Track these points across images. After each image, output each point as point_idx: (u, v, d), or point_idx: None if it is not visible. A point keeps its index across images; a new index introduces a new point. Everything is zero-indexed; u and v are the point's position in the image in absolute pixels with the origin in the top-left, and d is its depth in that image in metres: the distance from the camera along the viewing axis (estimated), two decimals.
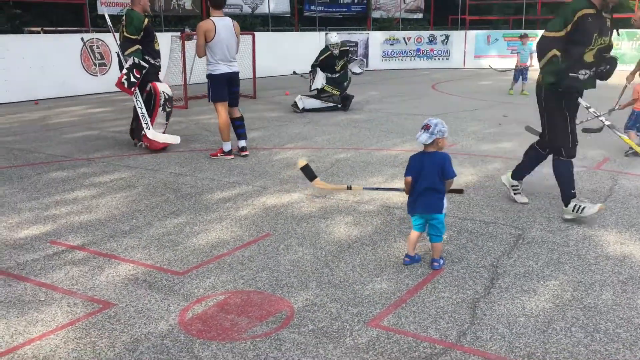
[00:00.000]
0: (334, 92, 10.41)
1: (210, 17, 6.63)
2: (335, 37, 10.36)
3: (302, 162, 4.55)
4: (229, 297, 3.43)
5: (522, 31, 17.98)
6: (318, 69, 10.37)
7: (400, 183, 5.70)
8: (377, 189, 5.11)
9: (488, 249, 4.10)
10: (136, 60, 6.89)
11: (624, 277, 3.63)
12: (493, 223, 4.61)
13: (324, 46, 10.75)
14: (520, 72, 12.85)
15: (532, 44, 12.40)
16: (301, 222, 4.67)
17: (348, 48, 11.12)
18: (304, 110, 10.32)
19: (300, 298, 3.40)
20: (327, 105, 10.42)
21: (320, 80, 10.32)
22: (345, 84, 10.51)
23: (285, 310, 3.25)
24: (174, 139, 7.20)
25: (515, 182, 5.15)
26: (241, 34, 7.09)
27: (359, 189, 5.10)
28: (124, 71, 6.89)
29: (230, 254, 4.06)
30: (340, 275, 3.70)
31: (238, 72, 6.88)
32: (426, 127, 3.68)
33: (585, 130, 6.95)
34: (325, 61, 10.37)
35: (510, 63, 14.97)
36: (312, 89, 10.47)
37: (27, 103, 11.93)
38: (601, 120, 5.02)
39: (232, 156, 6.89)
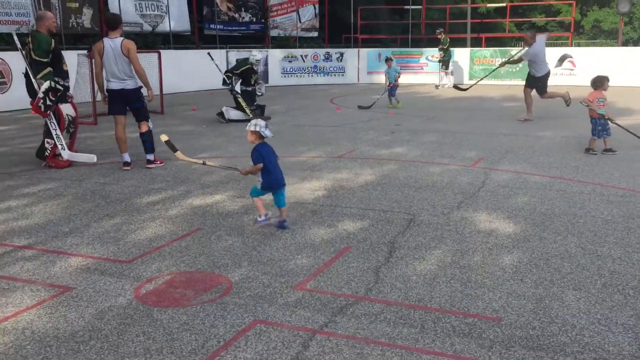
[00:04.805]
0: (247, 110, 11.37)
1: (104, 38, 7.22)
2: (259, 54, 11.43)
3: (164, 137, 5.82)
4: (175, 276, 4.04)
5: (390, 50, 19.68)
6: (239, 80, 11.34)
7: (309, 184, 6.51)
8: (224, 167, 6.12)
9: (386, 230, 4.96)
10: (52, 84, 7.18)
11: (490, 245, 4.61)
12: (390, 211, 5.50)
13: (227, 62, 11.73)
14: (390, 90, 14.11)
15: (399, 68, 14.39)
16: (227, 218, 5.33)
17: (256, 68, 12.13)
18: (230, 121, 11.10)
19: (236, 274, 4.07)
20: (248, 118, 11.26)
21: (239, 87, 11.31)
22: (255, 99, 11.64)
23: (224, 283, 3.92)
24: (90, 158, 7.50)
25: None
26: (146, 52, 7.60)
27: (211, 164, 5.80)
28: (40, 95, 7.10)
29: (168, 245, 4.66)
30: (266, 255, 4.41)
31: (133, 89, 7.25)
32: (266, 126, 5.04)
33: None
34: (245, 73, 11.32)
35: (402, 79, 16.31)
36: (234, 91, 11.34)
37: None
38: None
39: (129, 168, 7.29)
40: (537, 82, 11.34)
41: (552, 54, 20.61)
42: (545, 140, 9.20)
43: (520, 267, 4.13)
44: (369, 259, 4.33)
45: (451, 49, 20.34)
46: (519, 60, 11.61)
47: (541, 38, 11.47)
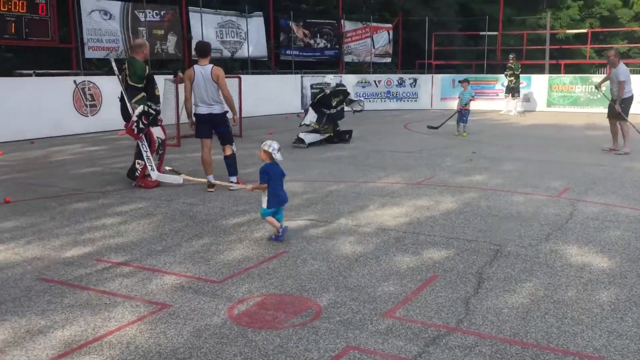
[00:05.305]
0: (324, 129, 11.82)
1: (194, 65, 7.52)
2: (329, 78, 11.95)
3: (167, 168, 7.05)
4: (265, 298, 4.12)
5: (465, 76, 19.35)
6: (311, 108, 11.90)
7: (390, 211, 6.50)
8: (230, 183, 7.06)
9: (473, 260, 4.89)
10: (145, 108, 7.56)
11: (584, 280, 4.45)
12: (474, 241, 5.42)
13: (302, 87, 12.39)
14: (461, 114, 13.65)
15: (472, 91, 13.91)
16: (311, 242, 5.40)
17: (344, 88, 12.67)
18: (310, 144, 11.46)
19: (324, 299, 4.11)
20: (325, 137, 11.96)
21: (309, 117, 11.78)
22: (337, 120, 12.19)
23: (314, 307, 3.96)
24: (177, 179, 7.79)
25: None
26: (228, 77, 7.88)
27: (217, 183, 6.93)
28: (134, 118, 7.50)
29: (256, 267, 4.76)
30: (353, 281, 4.44)
31: (220, 114, 7.51)
32: (278, 149, 5.44)
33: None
34: (321, 99, 11.89)
35: (476, 105, 16.09)
36: (301, 124, 11.92)
37: (22, 142, 12.43)
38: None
39: (213, 189, 7.45)
40: (619, 102, 10.70)
41: (636, 82, 19.81)
42: (635, 172, 8.83)
43: (619, 305, 3.97)
44: (457, 289, 4.28)
45: (523, 75, 19.89)
46: (621, 86, 10.55)
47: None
